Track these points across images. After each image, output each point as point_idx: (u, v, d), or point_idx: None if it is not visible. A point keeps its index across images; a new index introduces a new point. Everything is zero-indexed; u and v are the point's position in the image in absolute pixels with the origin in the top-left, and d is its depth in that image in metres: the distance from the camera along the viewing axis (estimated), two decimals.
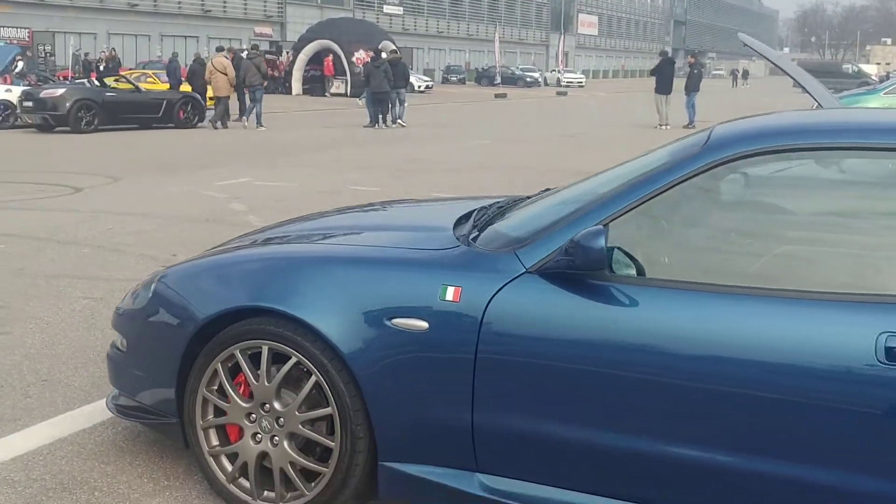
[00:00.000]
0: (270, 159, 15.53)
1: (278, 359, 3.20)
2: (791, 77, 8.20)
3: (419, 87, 49.65)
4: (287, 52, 46.31)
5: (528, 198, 3.83)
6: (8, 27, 41.64)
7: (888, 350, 2.48)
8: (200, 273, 3.55)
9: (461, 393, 2.96)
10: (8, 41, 37.14)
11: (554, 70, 72.73)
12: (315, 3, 61.46)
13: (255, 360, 3.24)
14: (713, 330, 2.68)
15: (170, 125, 21.51)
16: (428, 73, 71.28)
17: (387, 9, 69.73)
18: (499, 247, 3.06)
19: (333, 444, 3.15)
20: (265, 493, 3.31)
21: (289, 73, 44.31)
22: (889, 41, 79.75)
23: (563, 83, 65.89)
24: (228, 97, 22.56)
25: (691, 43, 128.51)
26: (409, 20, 72.51)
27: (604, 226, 2.84)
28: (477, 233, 3.29)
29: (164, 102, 21.68)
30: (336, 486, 3.17)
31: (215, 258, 3.66)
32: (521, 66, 73.77)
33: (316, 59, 44.28)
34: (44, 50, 42.05)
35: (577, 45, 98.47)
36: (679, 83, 24.21)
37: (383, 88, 23.18)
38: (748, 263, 3.04)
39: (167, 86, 25.57)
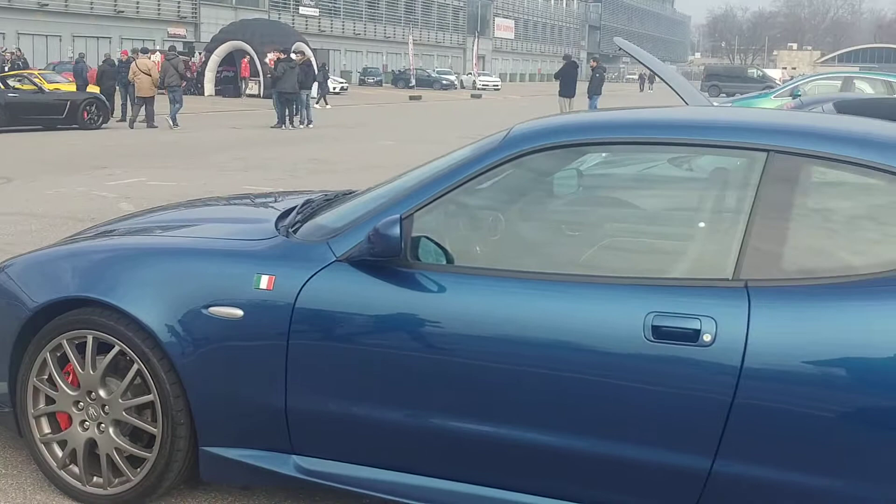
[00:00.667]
0: (170, 160, 15.46)
1: (104, 348, 3.31)
2: (661, 79, 8.53)
3: (334, 88, 49.49)
4: (199, 53, 45.82)
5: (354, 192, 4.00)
6: None
7: (654, 328, 2.70)
8: (36, 264, 3.63)
9: (275, 378, 3.10)
10: None
11: (470, 73, 73.18)
12: (229, 4, 60.84)
13: (81, 349, 3.34)
14: (508, 312, 2.87)
15: (74, 126, 21.17)
16: (345, 74, 71.10)
17: (302, 10, 69.35)
18: (316, 238, 3.22)
19: (156, 430, 3.27)
20: (94, 478, 3.42)
21: (201, 75, 43.83)
22: (795, 46, 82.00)
23: (478, 86, 66.32)
24: (153, 97, 22.53)
25: (606, 47, 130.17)
26: (325, 22, 72.23)
27: (407, 216, 3.03)
28: (300, 224, 3.44)
29: (69, 103, 21.28)
30: (160, 470, 3.29)
31: (52, 250, 3.75)
32: (437, 69, 74.08)
33: (229, 61, 43.88)
34: None
35: (494, 48, 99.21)
36: (583, 86, 24.66)
37: (291, 90, 23.18)
38: (544, 250, 3.26)
39: (73, 87, 25.10)
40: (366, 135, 22.60)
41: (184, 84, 23.90)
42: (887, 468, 2.55)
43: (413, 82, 62.72)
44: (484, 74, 74.38)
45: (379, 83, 69.21)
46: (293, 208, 3.74)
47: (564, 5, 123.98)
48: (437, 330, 2.94)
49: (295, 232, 3.35)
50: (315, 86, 39.74)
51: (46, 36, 47.22)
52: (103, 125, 22.08)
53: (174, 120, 22.64)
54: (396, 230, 2.89)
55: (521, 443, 2.88)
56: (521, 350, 2.84)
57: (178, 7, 57.15)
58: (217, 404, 3.20)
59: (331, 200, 3.80)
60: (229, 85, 43.66)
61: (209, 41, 46.31)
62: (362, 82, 69.43)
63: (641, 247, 3.32)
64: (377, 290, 3.01)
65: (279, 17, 63.33)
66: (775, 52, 76.37)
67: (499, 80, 74.09)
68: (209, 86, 43.69)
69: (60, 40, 47.47)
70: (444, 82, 66.86)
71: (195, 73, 43.43)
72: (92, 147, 17.62)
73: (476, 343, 2.89)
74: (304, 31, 66.93)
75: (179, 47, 42.62)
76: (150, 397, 3.26)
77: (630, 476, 2.81)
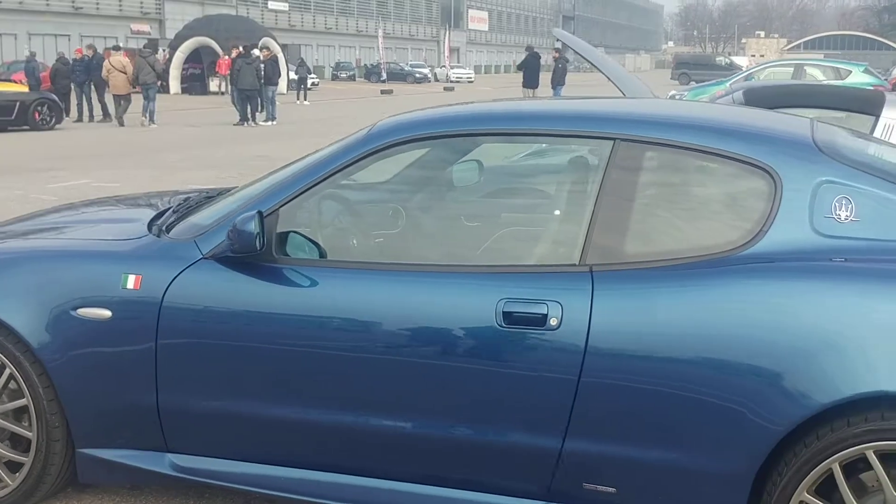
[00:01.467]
0: (122, 160, 15.35)
1: None
2: (599, 69, 8.55)
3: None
4: (163, 50, 45.53)
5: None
6: None
7: (506, 314, 2.77)
8: None
9: (145, 377, 3.12)
10: None
11: (443, 66, 73.10)
12: None
13: None
14: (370, 304, 2.92)
15: (24, 127, 20.91)
16: (317, 69, 70.88)
17: (272, 5, 69.03)
18: (187, 237, 3.22)
19: (31, 434, 3.26)
20: None
21: (166, 72, 43.53)
22: (762, 34, 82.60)
23: (451, 79, 66.21)
24: (129, 95, 22.51)
25: (580, 37, 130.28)
26: (295, 17, 71.96)
27: (271, 212, 3.06)
28: (175, 223, 3.43)
29: (18, 104, 20.94)
30: (37, 474, 3.30)
31: None
32: (411, 63, 73.90)
33: (194, 57, 43.69)
34: None
35: (468, 40, 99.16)
36: (547, 77, 24.71)
37: (250, 86, 23.09)
38: (408, 242, 3.31)
39: (26, 87, 24.83)
40: (327, 130, 22.52)
41: (159, 82, 23.80)
42: (719, 441, 2.64)
43: (384, 76, 62.54)
44: (457, 67, 74.29)
45: (352, 78, 69.00)
46: (170, 208, 3.73)
47: None
48: (301, 323, 2.99)
49: (168, 231, 3.34)
50: (286, 81, 40.26)
51: (0, 34, 46.52)
52: (56, 126, 21.83)
53: (152, 117, 22.52)
54: (252, 226, 2.91)
55: (387, 430, 2.94)
56: (384, 340, 2.89)
57: (142, 3, 56.50)
58: (90, 406, 3.20)
59: (210, 198, 3.79)
60: (196, 82, 43.50)
61: (173, 38, 45.97)
62: (335, 77, 69.23)
63: (499, 236, 3.37)
64: (241, 285, 3.04)
65: (248, 13, 62.92)
66: (744, 41, 76.86)
67: (472, 72, 73.98)
68: (175, 83, 43.47)
69: (16, 38, 46.50)
70: (418, 75, 66.66)
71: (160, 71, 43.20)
72: (41, 148, 17.44)
73: (339, 335, 2.94)
74: (273, 27, 66.57)
75: (143, 45, 42.49)
76: (23, 401, 3.24)
77: (489, 458, 2.88)
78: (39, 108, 21.38)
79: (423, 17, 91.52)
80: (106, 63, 22.68)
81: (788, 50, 77.73)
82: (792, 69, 19.96)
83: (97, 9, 52.98)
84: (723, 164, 2.92)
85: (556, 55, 25.30)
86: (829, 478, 2.59)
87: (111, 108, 23.52)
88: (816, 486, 2.61)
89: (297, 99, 35.81)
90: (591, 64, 9.11)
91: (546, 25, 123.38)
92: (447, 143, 3.25)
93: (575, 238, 2.90)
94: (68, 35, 50.31)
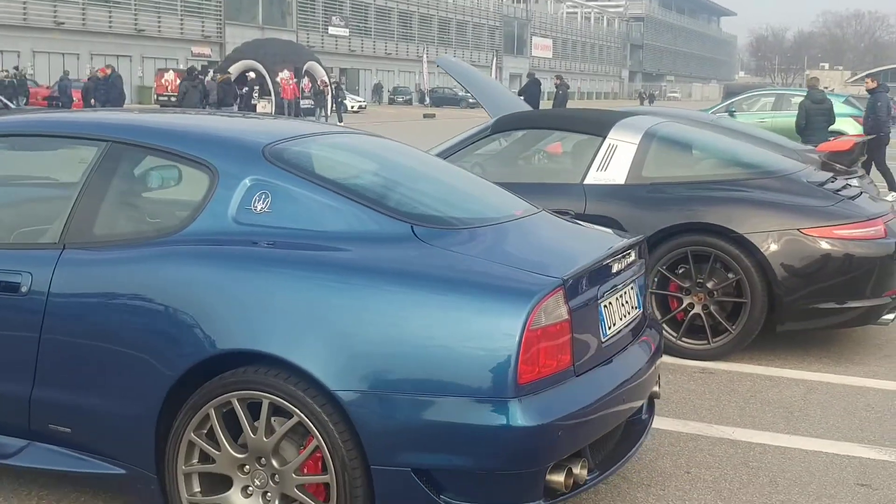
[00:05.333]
0: None
1: None
2: (470, 93, 9.14)
3: (352, 107, 50.48)
4: (211, 73, 47.02)
5: None
6: None
7: None
8: None
9: None
10: None
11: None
12: (256, 23, 62.16)
13: None
14: None
15: None
16: (376, 93, 72.35)
17: (332, 30, 70.63)
18: None
19: None
20: None
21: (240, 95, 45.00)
22: (826, 66, 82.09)
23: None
24: None
25: (648, 66, 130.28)
26: (355, 42, 73.44)
27: None
28: None
29: None
30: None
31: None
32: None
33: (241, 80, 45.05)
34: None
35: (531, 67, 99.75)
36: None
37: (196, 107, 23.66)
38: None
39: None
40: None
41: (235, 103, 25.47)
42: (130, 389, 3.21)
43: (427, 100, 63.39)
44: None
45: (409, 102, 70.10)
46: None
47: (605, 24, 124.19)
48: None
49: None
50: (329, 104, 41.37)
51: (63, 54, 48.34)
52: None
53: None
54: None
55: None
56: None
57: (203, 26, 58.41)
58: None
59: None
60: (242, 104, 44.81)
61: (223, 60, 47.43)
62: (392, 101, 70.42)
63: (12, 219, 4.05)
64: None
65: (307, 37, 64.60)
66: (807, 72, 76.15)
67: None
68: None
69: (78, 58, 48.43)
70: (471, 100, 67.28)
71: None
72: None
73: None
74: (333, 51, 68.33)
75: (206, 66, 43.95)
76: None
77: None
78: None
79: (485, 44, 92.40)
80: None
81: (852, 82, 76.75)
82: (773, 98, 20.17)
83: (159, 31, 54.88)
84: (180, 163, 3.58)
85: (558, 81, 25.77)
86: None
87: None
88: (205, 427, 3.14)
89: (339, 122, 36.97)
90: (466, 89, 9.74)
91: (613, 54, 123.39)
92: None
93: (60, 222, 3.52)
94: (129, 56, 52.24)
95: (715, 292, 5.72)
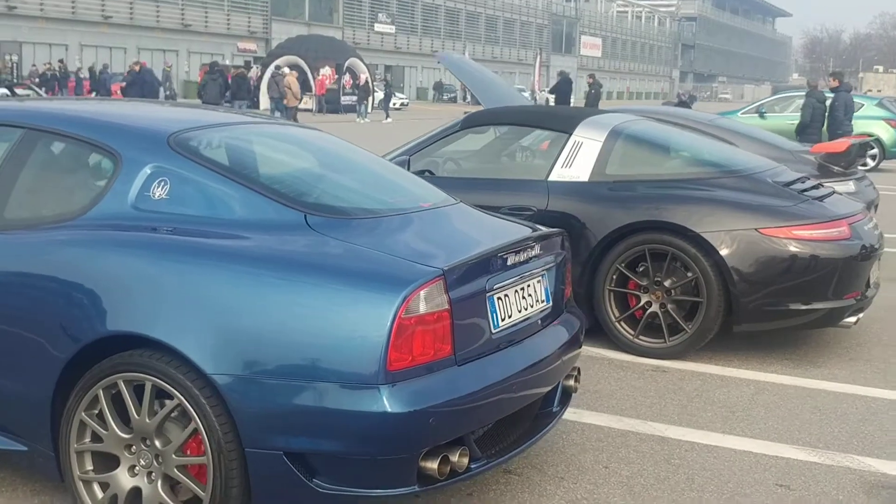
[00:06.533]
0: None
1: None
2: (469, 89, 9.18)
3: (394, 104, 50.70)
4: (256, 67, 47.53)
5: None
6: None
7: None
8: None
9: None
10: None
11: (543, 90, 73.47)
12: (302, 20, 62.65)
13: None
14: None
15: None
16: (421, 91, 72.60)
17: (378, 27, 70.95)
18: None
19: None
20: None
21: (257, 89, 45.45)
22: (881, 69, 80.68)
23: (550, 103, 66.45)
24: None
25: (700, 67, 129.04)
26: (401, 39, 73.70)
27: None
28: None
29: None
30: None
31: None
32: (514, 86, 74.54)
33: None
34: (10, 59, 43.36)
35: (579, 66, 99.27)
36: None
37: (214, 101, 23.74)
38: None
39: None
40: None
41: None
42: (27, 369, 3.33)
43: (468, 97, 63.33)
44: (546, 90, 74.39)
45: (454, 100, 70.17)
46: None
47: (657, 23, 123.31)
48: None
49: None
50: (370, 100, 41.72)
51: (111, 48, 49.21)
52: None
53: None
54: None
55: None
56: None
57: (249, 21, 59.03)
58: None
59: None
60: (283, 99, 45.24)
61: (266, 56, 47.88)
62: (437, 99, 70.53)
63: None
64: None
65: (353, 34, 64.98)
66: (860, 75, 74.85)
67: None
68: (264, 99, 45.27)
69: (125, 52, 49.19)
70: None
71: (252, 88, 45.17)
72: None
73: None
74: (379, 48, 68.67)
75: (250, 62, 44.49)
76: None
77: None
78: None
79: (533, 42, 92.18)
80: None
81: None
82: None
83: (206, 26, 55.60)
84: (87, 150, 3.67)
85: (591, 80, 25.69)
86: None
87: None
88: (95, 408, 3.22)
89: (385, 118, 37.37)
90: (464, 85, 9.79)
91: (664, 54, 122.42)
92: None
93: None
94: (176, 51, 52.99)
95: (672, 291, 5.71)
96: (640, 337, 5.81)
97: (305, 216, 3.34)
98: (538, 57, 63.06)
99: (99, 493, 3.26)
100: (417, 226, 3.64)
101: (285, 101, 26.87)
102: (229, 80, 25.43)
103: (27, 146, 3.66)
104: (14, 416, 3.41)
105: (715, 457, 4.31)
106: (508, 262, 3.48)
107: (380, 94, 44.68)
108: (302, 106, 44.48)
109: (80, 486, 3.28)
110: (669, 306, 5.71)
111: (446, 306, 3.10)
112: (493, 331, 3.38)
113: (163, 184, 3.42)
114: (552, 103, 25.04)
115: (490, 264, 3.38)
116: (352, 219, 3.47)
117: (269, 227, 3.31)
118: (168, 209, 3.38)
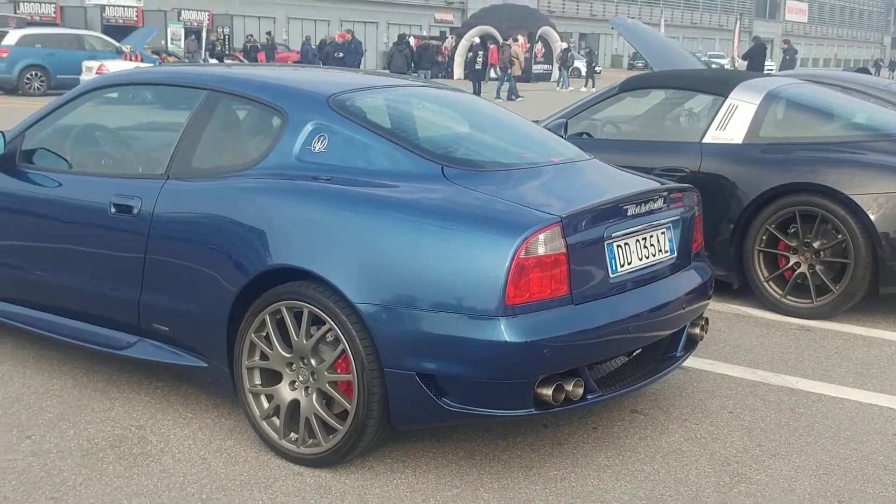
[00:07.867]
0: None
1: None
2: (639, 52, 9.43)
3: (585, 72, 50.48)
4: (450, 37, 48.38)
5: None
6: (190, 10, 45.60)
7: (115, 206, 4.17)
8: None
9: None
10: (189, 23, 41.25)
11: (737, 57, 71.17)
12: None
13: None
14: (57, 197, 4.45)
15: None
16: (615, 59, 71.84)
17: None
18: None
19: None
20: None
21: (451, 59, 46.34)
22: None
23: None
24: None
25: None
26: (597, 6, 72.95)
27: (17, 135, 4.59)
28: None
29: None
30: None
31: None
32: (709, 53, 72.56)
33: (478, 45, 46.07)
34: (222, 32, 45.90)
35: (784, 32, 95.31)
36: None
37: (398, 70, 24.85)
38: (79, 156, 4.83)
39: None
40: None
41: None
42: (208, 297, 3.88)
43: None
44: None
45: (646, 66, 68.91)
46: None
47: None
48: (29, 209, 4.50)
49: None
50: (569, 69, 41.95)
51: (315, 20, 51.20)
52: None
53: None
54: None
55: (64, 284, 4.40)
56: (59, 221, 4.39)
57: None
58: None
59: None
60: (476, 69, 45.91)
61: (461, 26, 48.57)
62: (631, 66, 69.60)
63: (122, 154, 4.76)
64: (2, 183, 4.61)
65: (549, 2, 64.77)
66: None
67: (773, 64, 71.34)
68: (458, 69, 46.10)
69: (328, 25, 51.13)
70: (713, 66, 65.37)
71: (446, 58, 46.06)
72: None
73: (42, 219, 4.44)
74: (574, 16, 68.33)
75: (446, 33, 45.35)
76: None
77: (109, 304, 4.28)
78: None
79: (734, 6, 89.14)
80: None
81: None
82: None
83: None
84: (260, 108, 4.24)
85: (786, 46, 24.91)
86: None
87: None
88: (263, 331, 3.76)
89: (585, 86, 37.55)
90: (636, 49, 9.97)
91: (875, 19, 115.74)
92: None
93: (166, 156, 4.24)
94: (376, 23, 54.53)
95: (821, 252, 5.80)
96: (788, 297, 5.93)
97: (442, 168, 3.76)
98: (738, 22, 61.24)
99: (265, 404, 3.80)
100: (545, 178, 3.98)
101: (509, 71, 27.98)
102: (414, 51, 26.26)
103: (210, 105, 4.24)
104: (199, 337, 4.00)
105: (840, 408, 4.46)
106: (629, 213, 3.77)
107: (580, 64, 44.72)
108: (493, 75, 45.29)
109: (250, 397, 3.83)
110: (818, 267, 5.81)
111: (563, 250, 3.44)
112: (612, 275, 3.69)
113: (322, 139, 3.91)
114: (746, 68, 24.38)
115: (610, 213, 3.69)
116: (484, 171, 3.86)
117: (410, 177, 3.74)
118: (325, 161, 3.87)
